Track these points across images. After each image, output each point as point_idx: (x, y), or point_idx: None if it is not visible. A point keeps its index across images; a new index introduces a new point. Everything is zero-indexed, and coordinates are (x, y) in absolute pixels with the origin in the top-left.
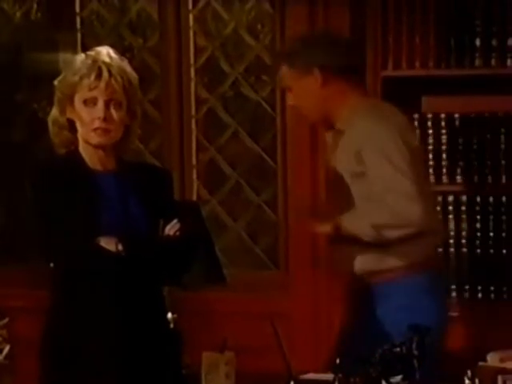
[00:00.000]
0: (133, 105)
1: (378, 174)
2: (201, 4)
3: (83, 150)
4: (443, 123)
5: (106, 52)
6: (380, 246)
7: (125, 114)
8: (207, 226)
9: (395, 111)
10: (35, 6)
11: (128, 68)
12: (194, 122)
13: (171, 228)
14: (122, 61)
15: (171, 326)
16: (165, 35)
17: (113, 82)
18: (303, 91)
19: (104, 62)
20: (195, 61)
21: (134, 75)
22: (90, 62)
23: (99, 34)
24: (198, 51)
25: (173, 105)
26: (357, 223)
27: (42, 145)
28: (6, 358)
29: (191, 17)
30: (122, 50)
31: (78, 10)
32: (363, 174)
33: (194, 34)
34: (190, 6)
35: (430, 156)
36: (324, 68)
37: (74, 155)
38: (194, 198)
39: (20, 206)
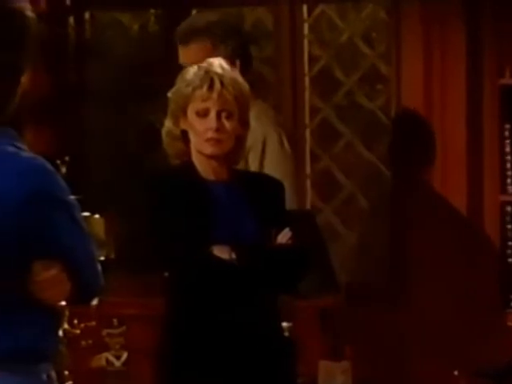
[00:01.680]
0: (244, 115)
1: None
2: (316, 13)
3: (196, 160)
4: None
5: (218, 63)
6: None
7: (237, 124)
8: (321, 234)
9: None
10: (153, 18)
11: (240, 78)
12: (308, 131)
13: (283, 236)
14: (234, 71)
15: (286, 334)
16: (279, 45)
17: (225, 92)
18: None
19: (216, 73)
20: (309, 70)
21: (245, 85)
22: (202, 73)
23: None
24: (313, 60)
25: (287, 114)
26: None
27: (159, 156)
28: (123, 364)
29: (306, 26)
30: None
31: None
32: None
33: (309, 43)
34: (305, 15)
35: None
36: (243, 60)
37: (187, 165)
38: (308, 207)
39: (135, 216)
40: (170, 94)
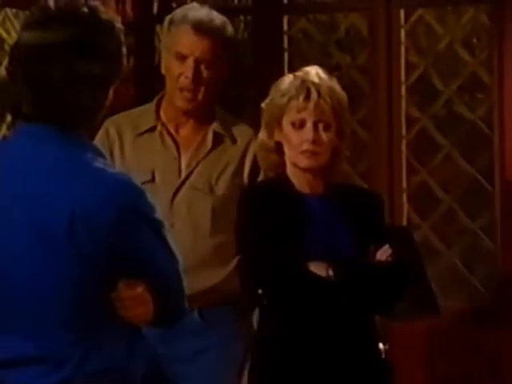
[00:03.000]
0: (342, 126)
1: None
2: (413, 18)
3: (291, 173)
4: None
5: (314, 72)
6: None
7: (334, 136)
8: (419, 252)
9: None
10: (242, 25)
11: (337, 88)
12: (404, 142)
13: (383, 253)
14: (331, 80)
15: (382, 357)
16: (374, 52)
17: (322, 102)
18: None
19: (313, 83)
20: (406, 78)
21: (343, 95)
22: (298, 82)
23: (306, 52)
24: (410, 68)
25: (382, 125)
26: None
27: None
28: None
29: (403, 32)
30: (329, 69)
31: (285, 28)
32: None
33: (406, 50)
34: (402, 21)
35: None
36: None
37: (281, 178)
38: (404, 222)
39: None
40: (263, 105)
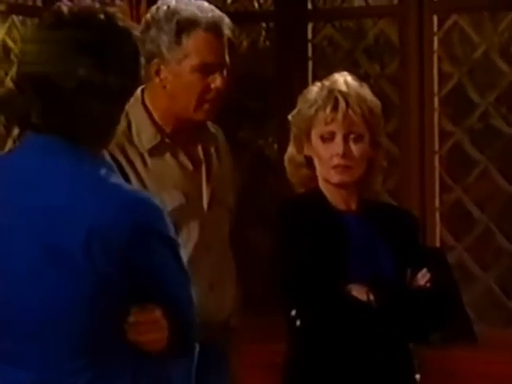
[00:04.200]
0: (375, 135)
1: None
2: (447, 25)
3: (324, 188)
4: None
5: (342, 80)
6: None
7: (367, 147)
8: (454, 275)
9: None
10: (264, 33)
11: (368, 95)
12: (437, 157)
13: (422, 278)
14: (362, 87)
15: None
16: (405, 61)
17: (350, 112)
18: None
19: (340, 92)
20: (439, 89)
21: (375, 102)
22: (325, 92)
23: (332, 61)
24: (443, 78)
25: (413, 138)
26: None
27: (267, 183)
28: None
29: (436, 40)
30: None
31: (309, 36)
32: None
33: (439, 58)
34: (435, 28)
35: None
36: None
37: (315, 193)
38: (437, 243)
39: (252, 247)
40: (290, 117)
